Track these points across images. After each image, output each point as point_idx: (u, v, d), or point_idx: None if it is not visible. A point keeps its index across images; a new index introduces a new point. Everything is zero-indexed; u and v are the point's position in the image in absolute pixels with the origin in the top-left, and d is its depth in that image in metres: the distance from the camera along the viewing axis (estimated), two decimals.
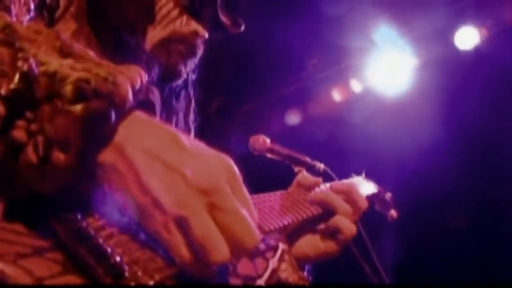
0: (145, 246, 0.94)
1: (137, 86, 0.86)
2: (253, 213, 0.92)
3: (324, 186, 1.69)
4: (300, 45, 5.32)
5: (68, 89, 0.79)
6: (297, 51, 5.45)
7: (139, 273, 0.87)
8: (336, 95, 5.58)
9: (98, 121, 0.81)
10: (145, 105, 0.91)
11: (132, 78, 0.85)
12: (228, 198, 0.87)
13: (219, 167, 0.89)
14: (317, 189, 1.66)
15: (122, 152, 0.84)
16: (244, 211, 0.88)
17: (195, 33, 1.41)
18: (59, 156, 0.79)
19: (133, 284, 0.84)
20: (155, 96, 0.94)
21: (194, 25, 1.40)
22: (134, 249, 0.92)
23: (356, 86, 5.41)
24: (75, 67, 0.82)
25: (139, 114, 0.89)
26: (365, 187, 1.95)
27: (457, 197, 5.23)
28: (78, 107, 0.79)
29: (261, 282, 1.06)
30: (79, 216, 0.89)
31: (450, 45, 4.84)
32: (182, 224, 0.84)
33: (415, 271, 5.25)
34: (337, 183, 1.71)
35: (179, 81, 1.49)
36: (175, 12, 1.37)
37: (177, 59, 1.40)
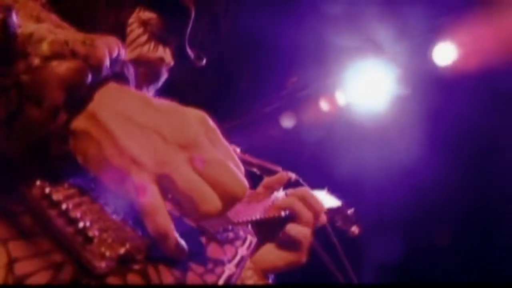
0: (115, 216, 0.93)
1: (114, 54, 0.86)
2: (238, 163, 0.90)
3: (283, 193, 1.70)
4: (279, 64, 5.36)
5: (45, 47, 0.78)
6: (277, 69, 5.48)
7: (109, 240, 0.85)
8: (316, 112, 5.61)
9: (74, 80, 0.79)
10: (120, 79, 0.90)
11: (110, 45, 0.85)
12: (208, 149, 0.85)
13: (195, 121, 0.87)
14: (280, 194, 1.68)
15: (94, 117, 0.83)
16: (227, 161, 0.86)
17: (161, 60, 1.42)
18: (31, 110, 0.77)
19: (103, 249, 0.82)
20: (130, 72, 0.93)
21: (161, 52, 1.41)
22: (104, 218, 0.91)
23: (336, 102, 5.45)
24: (53, 30, 0.82)
25: (112, 84, 0.87)
26: (327, 200, 1.94)
27: (440, 209, 5.27)
28: (55, 63, 0.78)
29: (230, 266, 1.04)
30: (48, 183, 0.87)
31: (429, 61, 4.89)
32: (164, 183, 0.81)
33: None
34: (292, 190, 1.70)
35: None
36: (144, 38, 1.38)
37: (141, 81, 1.41)
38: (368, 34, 4.96)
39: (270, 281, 1.56)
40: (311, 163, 5.10)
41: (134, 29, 1.37)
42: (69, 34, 0.83)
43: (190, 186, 0.82)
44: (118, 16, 1.34)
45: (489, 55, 4.55)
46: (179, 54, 1.46)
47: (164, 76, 1.48)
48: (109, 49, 0.84)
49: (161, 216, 0.82)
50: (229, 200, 0.85)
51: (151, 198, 0.81)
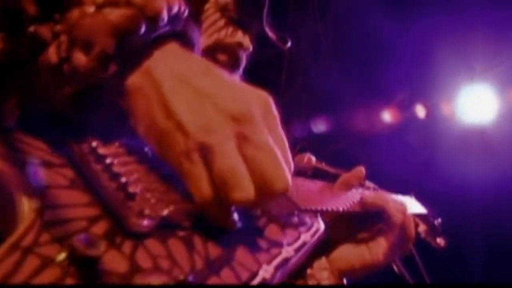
0: (164, 179, 0.90)
1: (174, 9, 0.82)
2: (289, 157, 0.83)
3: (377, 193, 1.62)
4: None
5: None
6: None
7: (152, 200, 0.82)
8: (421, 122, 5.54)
9: (126, 27, 0.77)
10: (184, 41, 0.87)
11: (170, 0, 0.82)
12: (260, 131, 0.78)
13: (255, 99, 0.81)
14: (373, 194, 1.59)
15: (149, 74, 0.80)
16: (277, 149, 0.79)
17: (239, 45, 1.37)
18: (80, 57, 0.76)
19: (143, 207, 0.80)
20: (195, 35, 0.89)
21: (239, 37, 1.37)
22: (151, 180, 0.88)
23: (441, 113, 5.37)
24: None
25: (173, 44, 0.84)
26: (414, 207, 1.83)
27: None
28: (107, 10, 0.76)
29: (290, 249, 0.97)
30: (97, 140, 0.87)
31: None
32: (205, 152, 0.76)
33: None
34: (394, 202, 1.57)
35: None
36: (221, 23, 1.35)
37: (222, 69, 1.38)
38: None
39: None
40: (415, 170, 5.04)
41: (210, 14, 1.33)
42: None
43: (228, 166, 0.76)
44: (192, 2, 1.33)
45: None
46: (261, 39, 1.42)
47: (243, 63, 1.41)
48: (168, 2, 0.81)
49: (205, 185, 0.78)
50: (265, 192, 0.79)
51: (194, 166, 0.77)
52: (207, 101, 0.78)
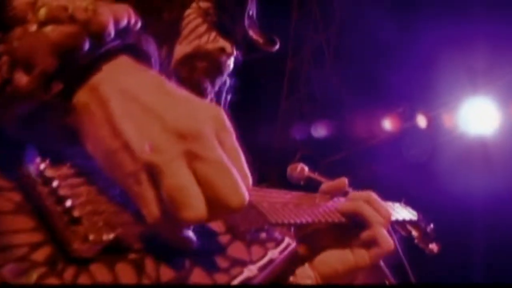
0: (117, 200, 0.87)
1: (122, 23, 0.79)
2: (246, 173, 0.79)
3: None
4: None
5: (42, 12, 0.75)
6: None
7: (100, 224, 0.80)
8: (422, 134, 5.52)
9: (68, 45, 0.75)
10: (139, 55, 0.83)
11: (117, 13, 0.78)
12: (211, 147, 0.74)
13: (206, 114, 0.77)
14: (345, 199, 1.54)
15: (96, 90, 0.76)
16: (230, 165, 0.76)
17: (221, 50, 1.35)
18: (21, 77, 0.74)
19: (88, 231, 0.77)
20: (151, 48, 0.86)
21: (222, 42, 1.34)
22: (102, 201, 0.85)
23: (443, 125, 5.34)
24: None
25: (124, 58, 0.81)
26: (402, 213, 1.79)
27: None
28: (48, 28, 0.74)
29: (253, 268, 0.93)
30: (47, 162, 0.85)
31: None
32: (153, 173, 0.73)
33: None
34: (355, 193, 1.53)
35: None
36: (202, 28, 1.32)
37: (201, 76, 1.33)
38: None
39: None
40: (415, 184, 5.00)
41: (191, 20, 1.31)
42: (75, 1, 0.77)
43: (177, 184, 0.72)
44: (172, 11, 1.29)
45: None
46: (247, 44, 1.39)
47: (228, 68, 1.39)
48: (115, 16, 0.77)
49: (154, 205, 0.74)
50: (219, 208, 0.75)
51: (142, 187, 0.74)
52: (155, 119, 0.74)
